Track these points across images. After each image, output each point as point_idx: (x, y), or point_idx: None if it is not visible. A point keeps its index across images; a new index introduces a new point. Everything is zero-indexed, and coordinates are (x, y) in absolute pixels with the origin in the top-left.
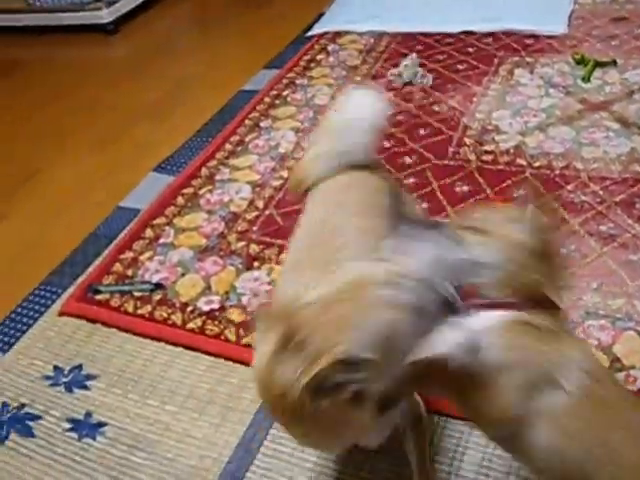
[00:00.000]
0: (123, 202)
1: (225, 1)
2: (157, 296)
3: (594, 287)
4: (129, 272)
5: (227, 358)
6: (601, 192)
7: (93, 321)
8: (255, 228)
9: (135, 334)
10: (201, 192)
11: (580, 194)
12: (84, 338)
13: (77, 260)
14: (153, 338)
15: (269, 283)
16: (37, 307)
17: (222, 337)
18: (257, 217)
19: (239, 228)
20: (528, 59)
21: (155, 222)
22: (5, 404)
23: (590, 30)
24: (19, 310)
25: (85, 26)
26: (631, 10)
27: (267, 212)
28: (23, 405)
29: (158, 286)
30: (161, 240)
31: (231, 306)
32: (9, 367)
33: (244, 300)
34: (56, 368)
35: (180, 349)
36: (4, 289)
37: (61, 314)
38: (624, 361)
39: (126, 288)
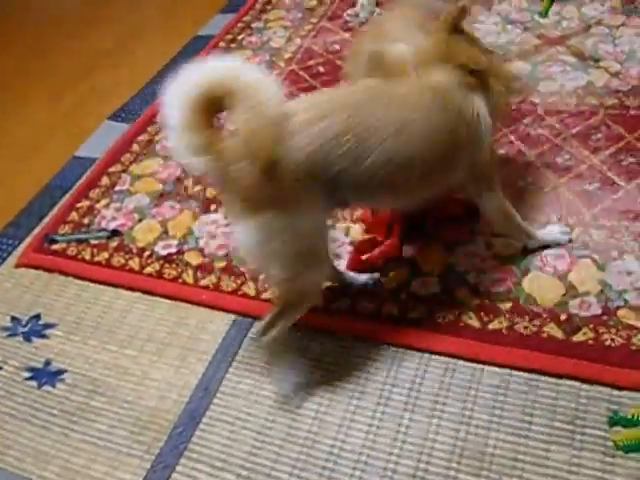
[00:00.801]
0: (78, 152)
1: None
2: (114, 243)
3: (553, 219)
4: (85, 221)
5: (185, 300)
6: (557, 125)
7: (50, 271)
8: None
9: (93, 282)
10: (157, 138)
11: (537, 127)
12: (42, 288)
13: (33, 211)
14: (111, 285)
15: (226, 225)
16: None
17: (180, 280)
18: None
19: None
20: None
21: (111, 170)
22: None
23: None
24: None
25: None
26: None
27: None
28: None
29: (115, 233)
30: (117, 187)
31: (189, 249)
32: None
33: (201, 243)
34: (14, 319)
35: (138, 294)
36: None
37: (18, 266)
38: (579, 288)
39: (83, 237)
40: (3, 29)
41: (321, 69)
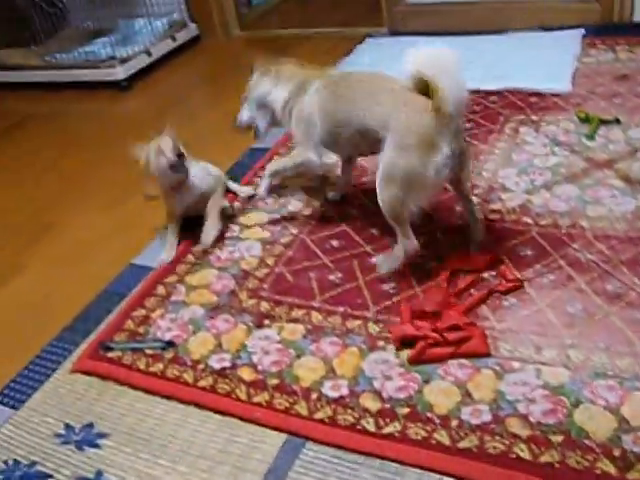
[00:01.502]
0: (136, 259)
1: (236, 59)
2: (169, 354)
3: (602, 347)
4: (141, 329)
5: (238, 417)
6: (607, 251)
7: (105, 378)
8: (266, 286)
9: (147, 392)
10: (211, 250)
11: (586, 253)
12: (95, 396)
13: (89, 316)
14: (165, 397)
15: (279, 342)
16: (49, 364)
17: (233, 396)
18: (267, 275)
19: (250, 286)
20: (533, 117)
21: (166, 280)
22: (17, 462)
23: (594, 88)
24: (31, 366)
25: (100, 82)
26: (633, 68)
27: (277, 270)
28: (34, 463)
29: (169, 344)
30: (172, 298)
31: (242, 365)
32: (21, 424)
33: (255, 359)
34: (67, 426)
35: (191, 408)
36: (18, 342)
37: (73, 371)
38: (632, 422)
39: (138, 346)
40: (64, 140)
41: (372, 187)
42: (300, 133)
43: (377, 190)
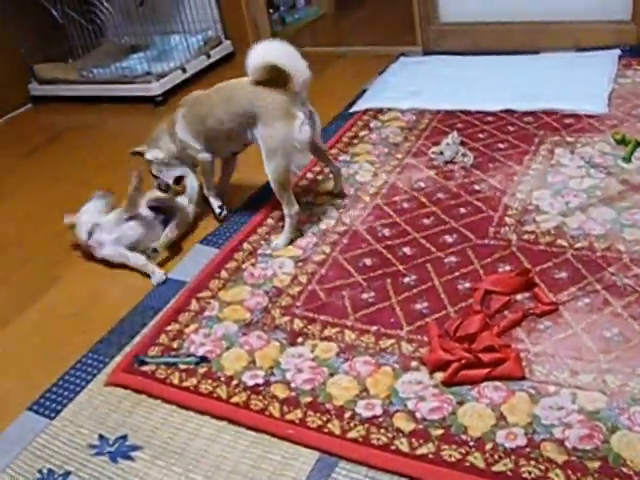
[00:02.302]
0: (171, 274)
1: None
2: (202, 369)
3: (639, 373)
4: (174, 344)
5: (271, 434)
6: None
7: (139, 392)
8: (299, 303)
9: (180, 407)
10: (244, 266)
11: (622, 277)
12: (129, 408)
13: (124, 330)
14: (198, 411)
15: (312, 360)
16: (84, 375)
17: (266, 412)
18: (300, 292)
19: (283, 303)
20: (568, 138)
21: (200, 295)
22: (51, 471)
23: (630, 110)
24: (66, 377)
25: (135, 97)
26: None
27: (310, 287)
28: (68, 473)
29: (203, 359)
30: (206, 313)
31: (275, 382)
32: (56, 434)
33: (288, 376)
34: (101, 437)
35: (224, 423)
36: (54, 353)
37: (107, 384)
38: None
39: (171, 360)
40: (99, 154)
41: (405, 205)
42: (189, 152)
43: (265, 169)
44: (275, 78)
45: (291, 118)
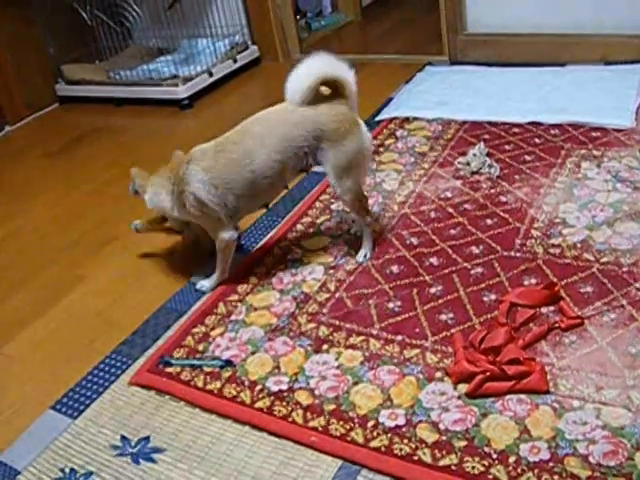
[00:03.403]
0: (195, 277)
1: None
2: (227, 373)
3: None
4: (200, 347)
5: (294, 440)
6: None
7: (162, 393)
8: (325, 310)
9: (203, 409)
10: (273, 271)
11: None
12: (152, 410)
13: (147, 331)
14: (221, 415)
15: (337, 367)
16: (107, 375)
17: (290, 419)
18: (328, 299)
19: (310, 309)
20: (595, 152)
21: (227, 299)
22: (73, 470)
23: None
24: (89, 377)
25: (160, 100)
26: None
27: (338, 295)
28: (90, 473)
29: (228, 363)
30: (232, 317)
31: (299, 388)
32: (78, 433)
33: (312, 383)
34: (124, 438)
35: (247, 428)
36: (77, 353)
37: (131, 384)
38: None
39: (196, 363)
40: (124, 155)
41: (432, 215)
42: (205, 221)
43: (336, 191)
44: (319, 96)
45: (358, 128)
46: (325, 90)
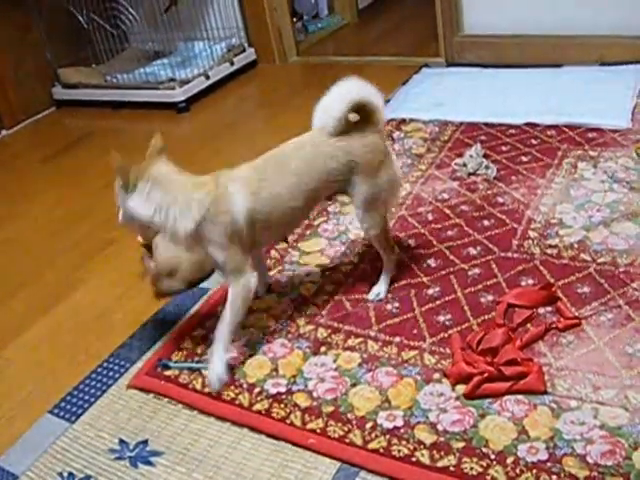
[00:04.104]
0: None
1: (292, 85)
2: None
3: None
4: (199, 350)
5: (292, 442)
6: None
7: (161, 396)
8: (324, 312)
9: (202, 412)
10: (271, 273)
11: None
12: (150, 413)
13: (145, 334)
14: (220, 418)
15: (335, 369)
16: (104, 379)
17: (287, 421)
18: (326, 302)
19: (308, 312)
20: (591, 153)
21: None
22: (71, 475)
23: None
24: (87, 381)
25: (157, 103)
26: None
27: (336, 297)
28: (89, 477)
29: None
30: None
31: (297, 390)
32: (76, 437)
33: (310, 385)
34: (122, 442)
35: (245, 430)
36: (74, 357)
37: (130, 387)
38: None
39: (195, 366)
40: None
41: (429, 217)
42: (230, 254)
43: (362, 225)
44: (348, 123)
45: (389, 159)
46: (353, 117)
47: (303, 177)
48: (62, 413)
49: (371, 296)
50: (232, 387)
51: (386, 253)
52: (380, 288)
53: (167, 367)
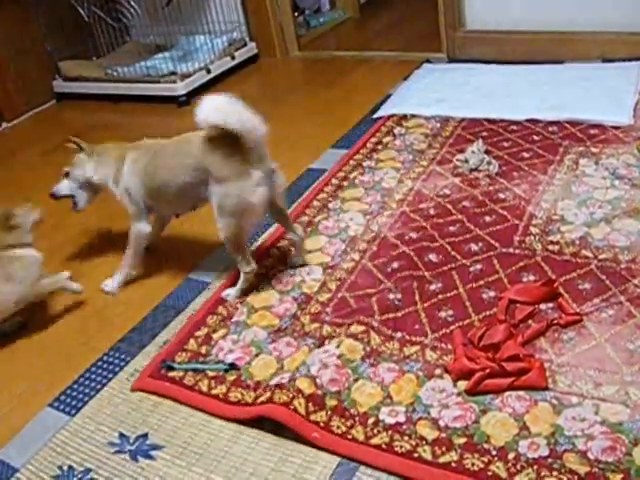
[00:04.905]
0: (192, 274)
1: (293, 79)
2: (231, 376)
3: None
4: (203, 350)
5: (295, 435)
6: None
7: (166, 398)
8: (328, 310)
9: (209, 414)
10: (272, 272)
11: None
12: (150, 407)
13: (145, 328)
14: (228, 419)
15: (338, 357)
16: (105, 373)
17: (291, 407)
18: (330, 299)
19: (312, 310)
20: (593, 149)
21: (228, 301)
22: (71, 468)
23: None
24: (87, 375)
25: (157, 97)
26: None
27: (339, 294)
28: (89, 470)
29: (232, 366)
30: (234, 318)
31: (301, 376)
32: (76, 431)
33: (313, 371)
34: (122, 435)
35: (245, 425)
36: (75, 350)
37: (134, 390)
38: None
39: (200, 367)
40: None
41: (431, 212)
42: (128, 204)
43: (217, 225)
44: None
45: (244, 177)
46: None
47: (171, 160)
48: (62, 406)
49: (223, 294)
50: (239, 388)
51: (238, 262)
52: (233, 290)
53: (171, 368)
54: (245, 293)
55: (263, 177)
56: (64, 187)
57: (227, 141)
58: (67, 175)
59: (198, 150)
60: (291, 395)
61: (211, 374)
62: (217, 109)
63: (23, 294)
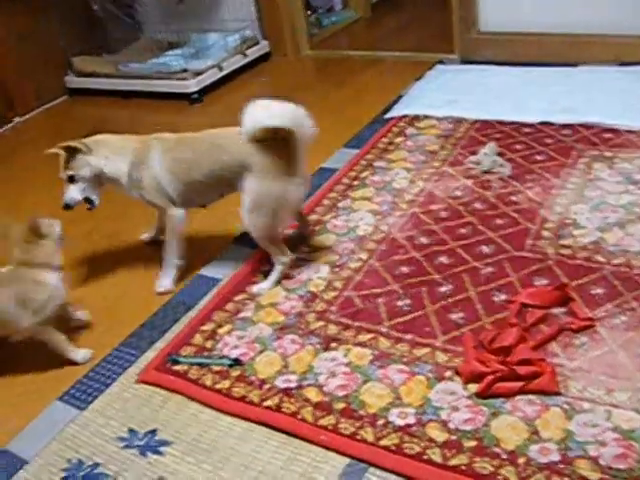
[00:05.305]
0: (203, 271)
1: (305, 78)
2: (235, 372)
3: None
4: (208, 345)
5: (303, 439)
6: None
7: (171, 391)
8: (334, 309)
9: (211, 408)
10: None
11: None
12: (160, 403)
13: (155, 324)
14: (232, 415)
15: (346, 365)
16: (115, 368)
17: (299, 416)
18: (336, 298)
19: (318, 308)
20: (607, 153)
21: (237, 298)
22: (80, 461)
23: None
24: (97, 369)
25: (169, 93)
26: None
27: (346, 293)
28: (97, 464)
29: (237, 361)
30: (241, 314)
31: (308, 385)
32: (86, 425)
33: (321, 380)
34: (131, 430)
35: (254, 423)
36: (85, 345)
37: (139, 382)
38: None
39: (205, 361)
40: None
41: (442, 214)
42: (156, 198)
43: (245, 221)
44: (272, 135)
45: (289, 177)
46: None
47: (207, 155)
48: (72, 400)
49: (254, 289)
50: (243, 384)
51: (272, 255)
52: (265, 283)
53: (177, 362)
54: (275, 284)
55: (302, 181)
56: (75, 192)
57: (272, 142)
58: (72, 179)
59: (239, 147)
60: (299, 405)
61: (215, 369)
62: (277, 112)
63: (32, 326)
